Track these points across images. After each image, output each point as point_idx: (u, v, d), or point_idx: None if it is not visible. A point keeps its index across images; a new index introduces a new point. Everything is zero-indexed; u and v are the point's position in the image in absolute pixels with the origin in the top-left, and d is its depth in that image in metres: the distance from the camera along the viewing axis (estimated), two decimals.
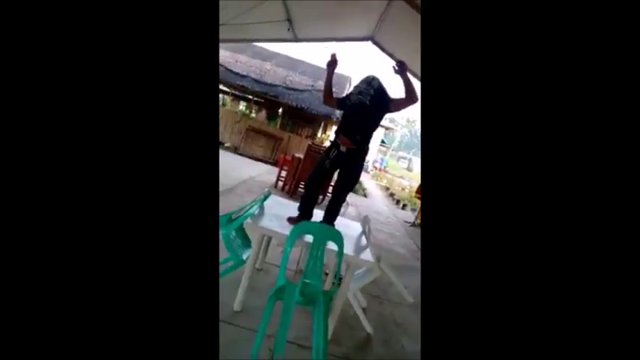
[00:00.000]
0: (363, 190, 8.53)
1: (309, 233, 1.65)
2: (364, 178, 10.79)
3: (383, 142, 17.80)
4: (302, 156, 5.09)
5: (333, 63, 1.98)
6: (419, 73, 7.29)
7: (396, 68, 1.86)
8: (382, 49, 6.94)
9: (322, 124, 9.84)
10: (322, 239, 1.62)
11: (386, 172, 16.26)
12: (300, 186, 4.98)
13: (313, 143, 5.91)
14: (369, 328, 2.05)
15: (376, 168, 15.90)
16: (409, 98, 1.88)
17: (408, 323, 2.39)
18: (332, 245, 1.65)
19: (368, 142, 1.98)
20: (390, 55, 6.83)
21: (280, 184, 5.48)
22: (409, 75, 1.88)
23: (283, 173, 5.50)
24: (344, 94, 2.09)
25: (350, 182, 2.06)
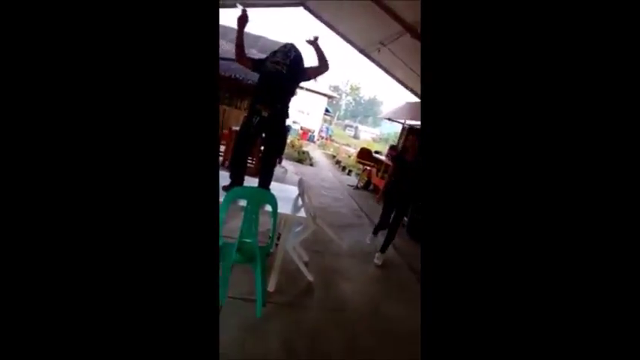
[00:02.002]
0: (310, 159, 8.74)
1: (242, 198, 1.77)
2: (310, 148, 10.98)
3: (327, 110, 17.96)
4: (238, 128, 5.03)
5: (243, 18, 2.00)
6: (345, 34, 7.38)
7: (311, 39, 2.01)
8: (314, 14, 6.86)
9: None
10: (256, 202, 1.75)
11: (332, 141, 16.62)
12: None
13: (247, 115, 5.85)
14: (310, 277, 2.30)
15: (322, 137, 16.15)
16: (321, 66, 2.06)
17: (345, 269, 2.71)
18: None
19: (287, 107, 2.11)
20: (321, 19, 6.80)
21: (221, 159, 5.41)
22: (320, 45, 2.03)
23: (222, 148, 5.41)
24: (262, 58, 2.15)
25: (278, 145, 2.20)
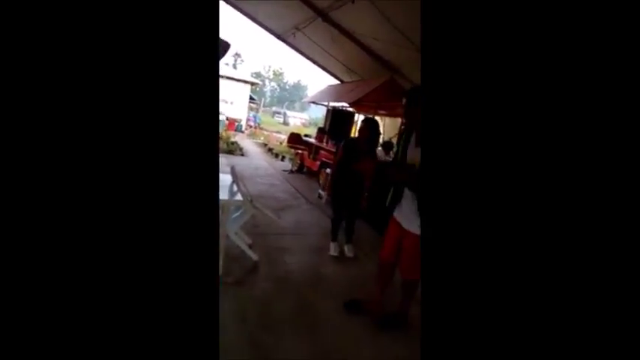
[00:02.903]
0: (240, 149, 8.61)
1: None
2: (239, 138, 10.76)
3: (252, 98, 17.57)
4: None
5: None
6: (263, 21, 7.32)
7: None
8: (232, 5, 6.63)
9: None
10: None
11: (262, 129, 16.41)
12: None
13: None
14: (254, 257, 2.45)
15: (250, 126, 15.84)
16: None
17: (288, 246, 2.91)
18: None
19: None
20: (239, 10, 6.64)
21: None
22: None
23: None
24: None
25: None
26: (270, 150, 9.90)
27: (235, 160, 7.09)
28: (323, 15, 5.42)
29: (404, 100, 1.81)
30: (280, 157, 8.74)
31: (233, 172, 2.52)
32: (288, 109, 34.17)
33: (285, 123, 26.28)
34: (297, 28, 6.27)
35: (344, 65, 6.93)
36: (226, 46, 2.16)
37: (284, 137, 13.86)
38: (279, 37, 7.25)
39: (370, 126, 2.77)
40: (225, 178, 2.60)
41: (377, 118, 6.89)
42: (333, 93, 6.94)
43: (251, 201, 2.32)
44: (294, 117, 29.75)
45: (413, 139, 1.80)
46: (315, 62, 7.93)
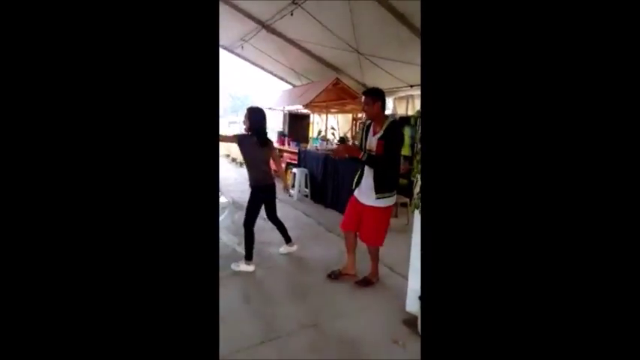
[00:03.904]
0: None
1: None
2: None
3: None
4: None
5: None
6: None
7: None
8: None
9: None
10: None
11: (221, 141, 16.25)
12: None
13: None
14: (244, 252, 2.79)
15: None
16: None
17: (270, 239, 3.26)
18: None
19: None
20: None
21: None
22: None
23: None
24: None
25: None
26: (233, 160, 10.03)
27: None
28: (266, 27, 5.78)
29: (363, 98, 2.26)
30: (243, 164, 8.92)
31: None
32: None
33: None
34: (244, 40, 6.56)
35: (293, 70, 7.34)
36: None
37: None
38: (227, 49, 7.47)
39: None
40: None
41: (330, 116, 7.39)
42: (287, 98, 7.33)
43: (233, 202, 2.66)
44: None
45: (371, 130, 2.26)
46: (265, 70, 8.24)
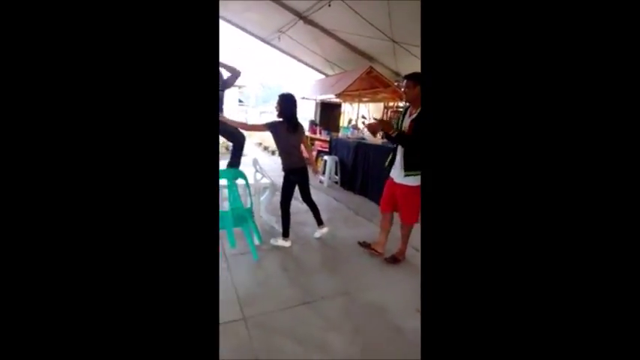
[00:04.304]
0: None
1: (222, 178, 2.41)
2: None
3: (240, 101, 17.94)
4: None
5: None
6: (244, 27, 7.68)
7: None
8: None
9: None
10: (232, 178, 2.41)
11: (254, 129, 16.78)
12: None
13: None
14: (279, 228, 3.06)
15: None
16: (234, 75, 2.84)
17: (304, 220, 3.52)
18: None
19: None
20: (222, 18, 7.09)
21: None
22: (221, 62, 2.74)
23: None
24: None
25: (233, 136, 2.85)
26: (265, 148, 10.42)
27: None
28: (303, 18, 5.94)
29: (405, 82, 2.40)
30: (277, 153, 9.25)
31: (255, 162, 3.11)
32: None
33: None
34: (280, 31, 6.77)
35: (326, 60, 7.46)
36: (238, 74, 2.79)
37: None
38: (263, 40, 7.73)
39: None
40: (246, 170, 3.19)
41: (361, 105, 7.46)
42: (320, 87, 7.48)
43: (272, 184, 2.93)
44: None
45: (408, 112, 2.44)
46: (299, 60, 8.43)
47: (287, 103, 2.67)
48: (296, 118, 2.73)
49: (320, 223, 3.00)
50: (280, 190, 2.86)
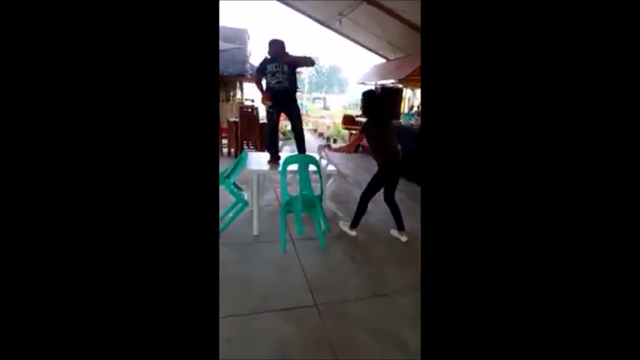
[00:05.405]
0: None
1: (294, 162, 2.40)
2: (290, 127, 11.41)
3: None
4: (237, 119, 5.53)
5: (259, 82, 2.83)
6: (305, 11, 7.64)
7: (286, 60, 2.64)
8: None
9: (238, 84, 9.89)
10: (304, 163, 2.39)
11: (309, 116, 17.01)
12: (245, 146, 5.51)
13: (241, 105, 6.27)
14: (344, 217, 3.01)
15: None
16: (307, 62, 2.82)
17: (370, 208, 3.43)
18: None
19: (295, 89, 2.82)
20: (283, 2, 7.10)
21: (225, 150, 5.89)
22: (294, 57, 2.71)
23: (224, 141, 5.88)
24: (258, 65, 2.82)
25: (297, 115, 2.84)
26: (320, 135, 10.44)
27: (294, 146, 7.73)
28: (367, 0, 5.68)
29: None
30: (332, 140, 9.24)
31: (320, 148, 3.07)
32: (327, 93, 34.42)
33: (326, 108, 26.63)
34: (341, 14, 6.58)
35: (389, 43, 7.11)
36: (311, 63, 2.74)
37: (329, 121, 14.32)
38: (322, 23, 7.61)
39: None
40: (311, 154, 3.18)
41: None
42: (380, 72, 7.19)
43: (339, 172, 2.86)
44: (334, 100, 29.96)
45: None
46: (357, 42, 8.17)
47: (369, 102, 2.58)
48: (383, 114, 2.59)
49: (401, 227, 2.72)
50: (346, 177, 2.79)
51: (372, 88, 7.46)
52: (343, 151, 2.89)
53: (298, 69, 2.83)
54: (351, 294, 1.94)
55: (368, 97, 2.58)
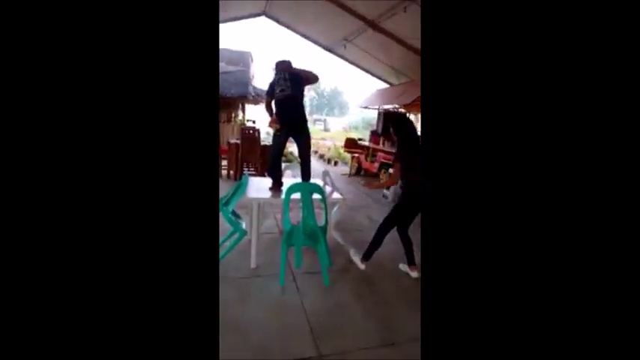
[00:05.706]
0: (297, 159, 9.17)
1: (298, 191, 2.23)
2: (292, 149, 11.38)
3: None
4: (237, 140, 5.42)
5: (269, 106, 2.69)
6: (309, 35, 7.75)
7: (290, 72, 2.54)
8: (278, 21, 7.25)
9: (240, 105, 9.90)
10: (308, 192, 2.22)
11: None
12: (245, 168, 5.36)
13: (242, 127, 6.19)
14: (350, 248, 2.81)
15: None
16: (311, 81, 2.67)
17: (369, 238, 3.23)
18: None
19: (304, 112, 2.66)
20: (283, 24, 7.21)
21: (224, 172, 5.74)
22: (300, 69, 2.61)
23: (224, 162, 5.74)
24: (267, 88, 2.72)
25: (307, 144, 2.67)
26: (321, 157, 10.36)
27: (297, 169, 7.62)
28: (373, 25, 5.74)
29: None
30: (333, 162, 9.14)
31: (326, 174, 2.91)
32: (328, 115, 34.86)
33: (326, 129, 26.84)
34: (346, 40, 6.65)
35: (392, 68, 7.15)
36: (315, 78, 2.63)
37: (330, 143, 14.33)
38: (326, 48, 7.70)
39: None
40: (316, 182, 3.01)
41: None
42: (384, 96, 7.19)
43: (344, 200, 2.69)
44: (334, 122, 30.27)
45: None
46: (360, 67, 8.24)
47: (400, 124, 2.41)
48: (417, 137, 2.39)
49: (412, 261, 2.48)
50: (351, 207, 2.62)
51: (380, 110, 7.43)
52: (384, 187, 2.69)
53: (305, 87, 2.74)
54: (359, 342, 1.72)
55: (398, 119, 2.43)
